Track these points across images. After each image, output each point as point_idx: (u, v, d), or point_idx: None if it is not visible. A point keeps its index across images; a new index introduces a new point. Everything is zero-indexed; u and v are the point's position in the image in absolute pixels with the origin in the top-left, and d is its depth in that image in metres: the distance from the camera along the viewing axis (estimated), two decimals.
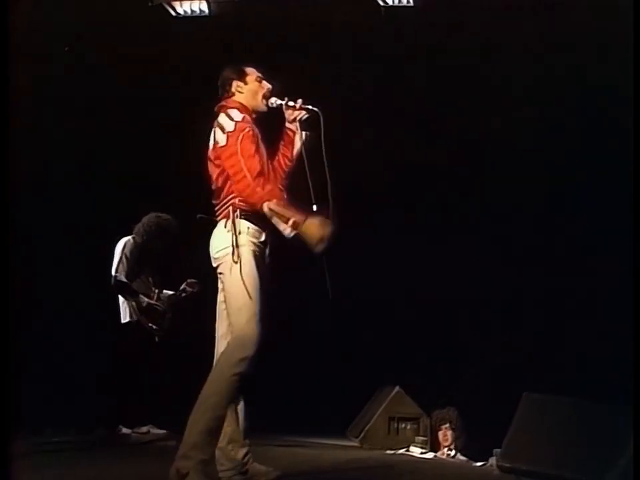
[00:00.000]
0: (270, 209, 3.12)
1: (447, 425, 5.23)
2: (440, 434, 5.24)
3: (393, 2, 5.26)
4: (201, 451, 2.99)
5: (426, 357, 6.00)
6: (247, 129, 3.24)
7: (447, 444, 5.23)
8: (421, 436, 5.24)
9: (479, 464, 4.60)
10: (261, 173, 3.20)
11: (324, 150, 3.24)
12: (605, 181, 5.46)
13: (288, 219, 3.10)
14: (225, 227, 3.23)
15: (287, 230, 3.11)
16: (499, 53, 5.53)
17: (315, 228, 3.09)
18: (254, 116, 3.39)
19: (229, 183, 3.26)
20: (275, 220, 3.13)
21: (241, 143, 3.19)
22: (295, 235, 3.10)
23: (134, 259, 5.13)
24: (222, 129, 3.24)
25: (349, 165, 5.65)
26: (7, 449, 2.51)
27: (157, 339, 5.21)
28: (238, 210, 3.21)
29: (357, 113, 5.76)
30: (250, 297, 3.11)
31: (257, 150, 3.25)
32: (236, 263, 3.14)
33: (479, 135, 5.89)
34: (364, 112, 5.85)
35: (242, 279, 3.12)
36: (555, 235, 5.87)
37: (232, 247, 3.16)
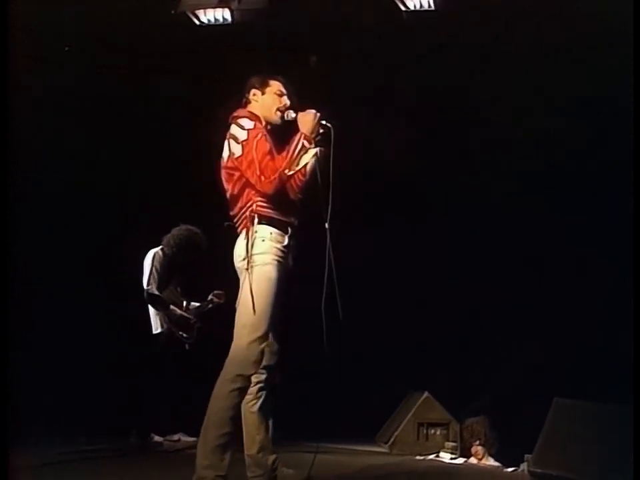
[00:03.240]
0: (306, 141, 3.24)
1: (478, 442, 5.13)
2: (472, 449, 5.16)
3: (415, 7, 5.23)
4: (214, 469, 3.01)
5: (456, 362, 5.96)
6: (260, 136, 3.25)
7: (479, 457, 5.15)
8: (451, 441, 5.20)
9: (510, 469, 4.56)
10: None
11: (331, 169, 3.23)
12: (605, 184, 5.39)
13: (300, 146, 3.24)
14: (246, 235, 3.23)
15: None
16: (517, 56, 5.51)
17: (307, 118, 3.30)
18: (267, 126, 3.39)
19: (246, 190, 3.26)
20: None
21: (255, 149, 3.21)
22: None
23: (163, 270, 5.17)
24: (235, 139, 3.26)
25: (362, 171, 5.71)
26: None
27: (187, 347, 5.26)
28: (256, 215, 3.21)
29: (376, 120, 5.78)
30: (257, 314, 3.12)
31: (272, 153, 3.25)
32: (248, 270, 3.15)
33: (490, 139, 5.86)
34: (384, 118, 5.86)
35: (251, 294, 3.13)
36: (567, 245, 5.81)
37: (246, 256, 3.17)
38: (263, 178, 3.18)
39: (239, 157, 3.24)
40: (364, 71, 5.79)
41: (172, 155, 5.94)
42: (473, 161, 6.01)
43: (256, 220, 3.21)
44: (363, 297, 6.13)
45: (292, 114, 3.40)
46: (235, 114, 3.38)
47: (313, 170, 3.36)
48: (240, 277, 3.25)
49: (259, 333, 3.13)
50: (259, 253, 3.19)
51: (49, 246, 5.88)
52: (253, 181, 3.21)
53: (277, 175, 3.18)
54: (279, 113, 3.40)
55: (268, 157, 3.21)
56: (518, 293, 5.88)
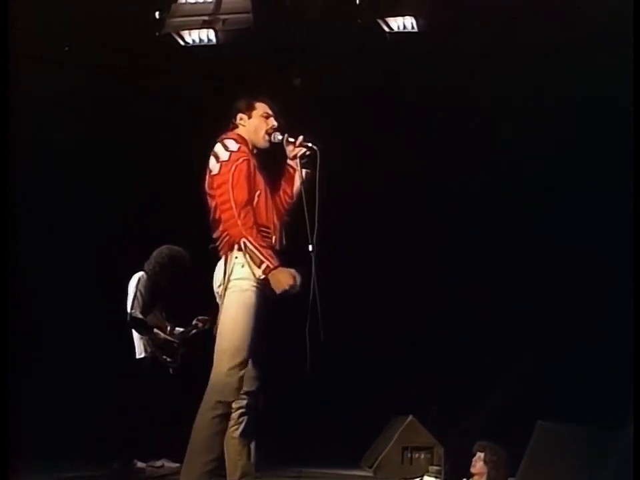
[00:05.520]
0: (245, 246, 3.14)
1: (482, 455, 5.02)
2: (474, 458, 5.06)
3: (398, 28, 5.31)
4: None
5: (440, 386, 5.95)
6: (241, 160, 3.25)
7: (473, 470, 5.05)
8: (435, 465, 5.18)
9: None
10: (247, 204, 3.18)
11: (317, 191, 3.24)
12: (605, 184, 5.41)
13: (261, 262, 3.12)
14: (225, 261, 3.22)
15: (257, 272, 3.13)
16: (501, 75, 5.58)
17: (283, 277, 3.11)
18: (254, 149, 3.39)
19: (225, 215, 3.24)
20: (248, 258, 3.15)
21: (232, 173, 3.20)
22: (263, 278, 3.12)
23: (148, 294, 5.15)
24: (216, 157, 3.27)
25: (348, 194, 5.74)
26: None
27: (171, 372, 5.23)
28: (235, 242, 3.20)
29: (359, 142, 5.82)
30: (237, 340, 3.12)
31: (249, 182, 3.23)
32: (226, 296, 3.15)
33: (483, 156, 5.91)
34: (367, 141, 5.90)
35: (231, 321, 3.14)
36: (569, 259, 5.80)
37: (225, 282, 3.17)
38: (230, 206, 3.16)
39: (215, 175, 3.25)
40: (349, 91, 5.84)
41: (172, 155, 5.91)
42: (472, 161, 6.00)
43: (235, 246, 3.20)
44: (347, 320, 6.13)
45: (278, 136, 3.39)
46: (223, 135, 3.38)
47: (300, 192, 3.38)
48: (219, 302, 3.25)
49: (239, 359, 3.12)
50: (237, 279, 3.18)
51: (49, 246, 5.84)
52: (219, 202, 3.20)
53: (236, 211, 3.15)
54: (266, 137, 3.39)
55: (240, 185, 3.19)
56: (514, 301, 5.79)
